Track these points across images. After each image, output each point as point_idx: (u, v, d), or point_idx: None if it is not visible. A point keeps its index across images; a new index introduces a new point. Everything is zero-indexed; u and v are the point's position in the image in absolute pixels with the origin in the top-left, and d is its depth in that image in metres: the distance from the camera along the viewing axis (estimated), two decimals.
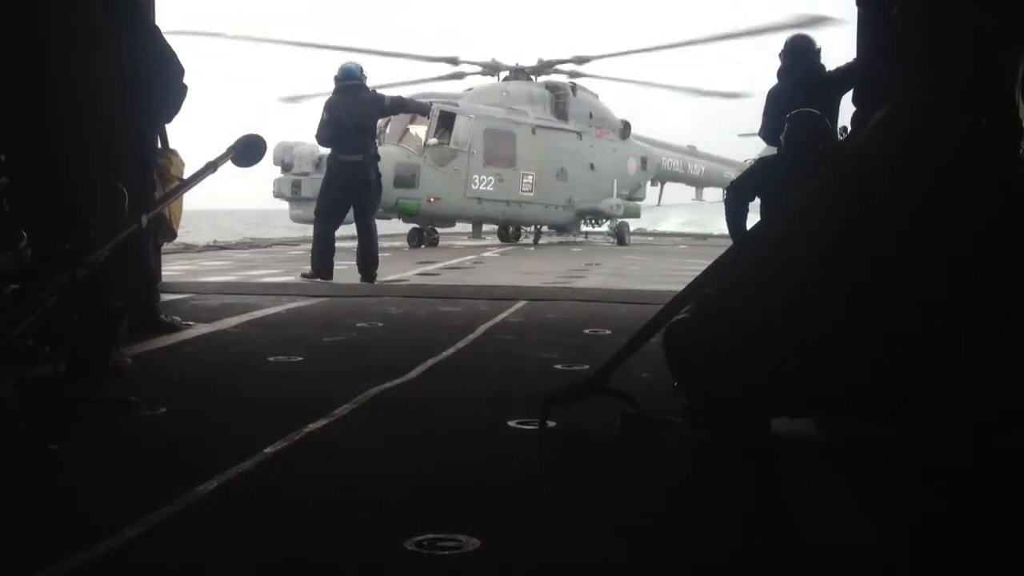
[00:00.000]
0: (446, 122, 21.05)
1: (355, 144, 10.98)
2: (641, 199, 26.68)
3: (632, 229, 27.24)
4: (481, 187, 21.40)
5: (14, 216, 4.25)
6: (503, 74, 23.93)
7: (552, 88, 23.43)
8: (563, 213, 23.36)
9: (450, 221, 21.75)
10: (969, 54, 3.64)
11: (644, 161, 25.60)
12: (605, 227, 24.03)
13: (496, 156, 21.82)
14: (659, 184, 27.82)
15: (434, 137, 20.99)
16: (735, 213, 7.18)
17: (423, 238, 20.74)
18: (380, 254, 11.44)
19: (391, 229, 22.29)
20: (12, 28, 5.34)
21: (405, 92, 22.53)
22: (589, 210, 23.47)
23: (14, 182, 4.85)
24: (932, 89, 3.62)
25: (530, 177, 22.31)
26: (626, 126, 24.62)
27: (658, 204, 29.02)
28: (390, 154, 20.01)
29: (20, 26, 5.36)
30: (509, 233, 23.93)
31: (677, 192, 28.79)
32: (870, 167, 3.69)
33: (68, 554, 2.50)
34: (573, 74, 24.07)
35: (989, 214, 3.54)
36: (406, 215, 20.96)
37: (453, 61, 23.65)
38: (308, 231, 22.33)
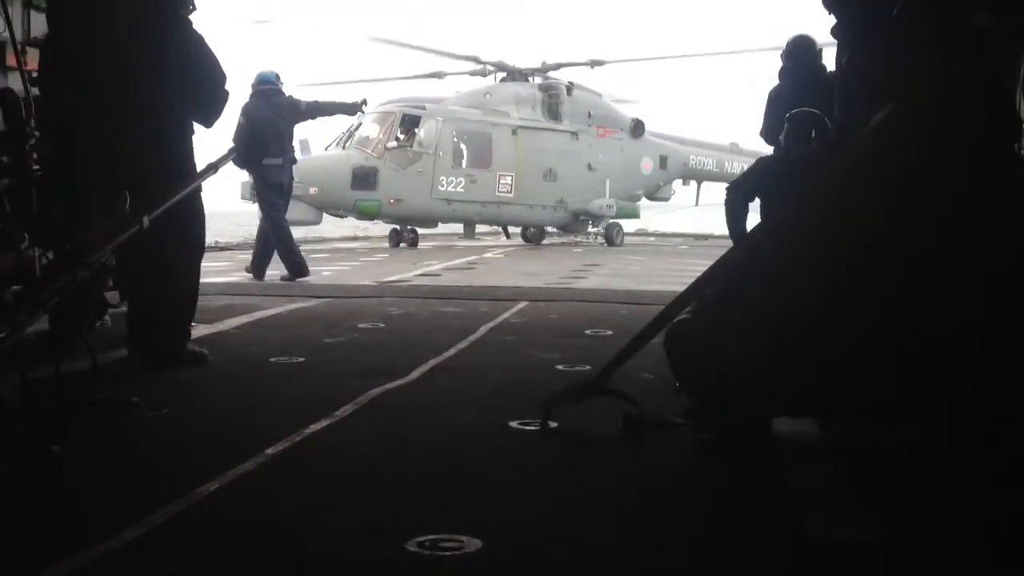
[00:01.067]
0: (411, 125, 21.45)
1: (274, 148, 11.13)
2: (666, 199, 25.92)
3: (634, 229, 27.00)
4: (450, 188, 21.52)
5: (16, 217, 4.26)
6: (500, 75, 23.88)
7: (545, 88, 23.32)
8: (553, 214, 23.23)
9: (417, 222, 21.78)
10: (968, 54, 3.64)
11: (664, 160, 24.81)
12: (599, 227, 23.47)
13: (467, 158, 22.04)
14: (691, 183, 26.52)
15: (395, 140, 21.35)
16: (735, 213, 7.15)
17: (402, 238, 21.18)
18: (378, 255, 11.48)
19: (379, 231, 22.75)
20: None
21: (389, 92, 23.08)
22: (583, 211, 23.31)
23: (16, 184, 4.86)
24: (932, 90, 3.62)
25: (509, 178, 22.33)
26: (637, 125, 24.03)
27: (696, 204, 28.00)
28: (349, 157, 20.62)
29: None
30: (531, 234, 23.79)
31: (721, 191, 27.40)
32: (870, 168, 3.68)
33: (68, 555, 2.50)
34: (594, 63, 23.89)
35: (990, 214, 3.54)
36: (365, 216, 21.49)
37: (475, 60, 23.83)
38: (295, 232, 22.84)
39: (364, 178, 20.54)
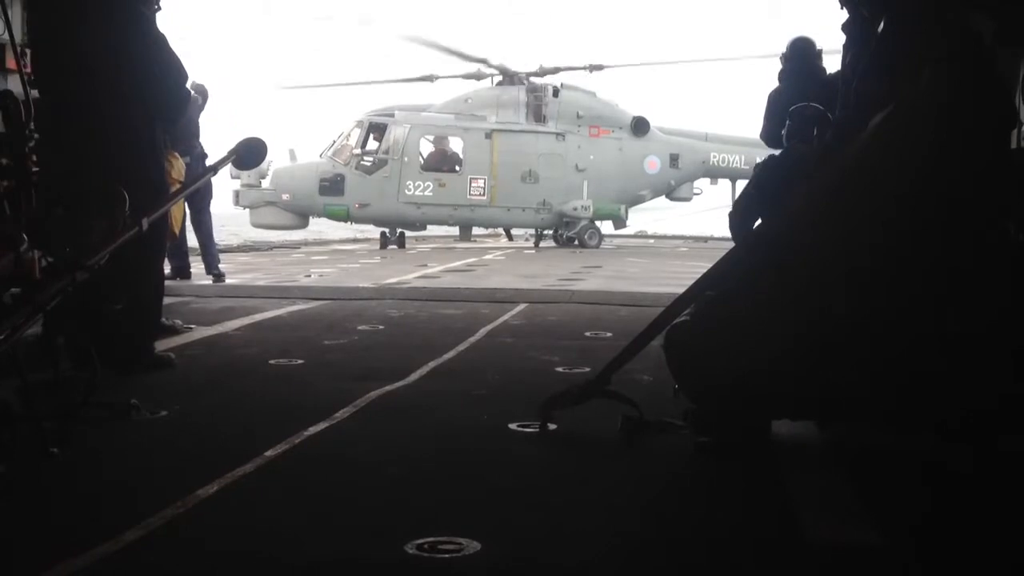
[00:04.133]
0: (378, 132, 22.25)
1: (179, 148, 11.07)
2: (686, 198, 24.96)
3: (633, 232, 26.75)
4: (417, 192, 22.20)
5: (16, 219, 4.25)
6: (496, 79, 23.86)
7: (530, 91, 23.28)
8: (535, 215, 23.19)
9: (389, 225, 22.31)
10: (968, 55, 3.64)
11: (675, 158, 23.99)
12: (576, 230, 22.83)
13: (435, 162, 22.65)
14: (718, 182, 25.17)
15: (361, 148, 22.14)
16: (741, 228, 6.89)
17: (389, 240, 22.02)
18: (377, 257, 11.41)
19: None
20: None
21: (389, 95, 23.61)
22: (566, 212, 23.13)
23: (17, 185, 4.85)
24: (933, 90, 3.62)
25: (481, 181, 22.61)
26: (639, 123, 23.46)
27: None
28: (319, 166, 21.91)
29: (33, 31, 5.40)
30: (558, 235, 23.67)
31: None
32: (871, 168, 3.68)
33: (67, 557, 2.50)
34: (592, 68, 23.80)
35: (990, 214, 3.54)
36: (336, 219, 22.65)
37: (484, 61, 24.00)
38: (289, 236, 23.49)
39: (331, 184, 21.64)
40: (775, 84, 8.45)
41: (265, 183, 21.59)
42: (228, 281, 11.23)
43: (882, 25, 3.99)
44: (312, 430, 3.87)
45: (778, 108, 8.01)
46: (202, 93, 11.50)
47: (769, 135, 8.25)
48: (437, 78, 24.09)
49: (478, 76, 24.01)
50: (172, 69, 5.33)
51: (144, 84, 5.19)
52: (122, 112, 5.13)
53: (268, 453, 3.52)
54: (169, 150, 7.29)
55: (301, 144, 23.03)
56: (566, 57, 25.29)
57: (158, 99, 5.29)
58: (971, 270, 3.47)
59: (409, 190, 22.06)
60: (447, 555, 2.58)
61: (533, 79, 23.58)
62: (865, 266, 3.53)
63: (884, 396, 3.52)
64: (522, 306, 8.27)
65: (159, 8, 5.52)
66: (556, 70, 23.84)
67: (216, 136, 11.29)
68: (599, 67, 24.05)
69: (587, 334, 6.63)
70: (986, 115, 3.62)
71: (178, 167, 7.66)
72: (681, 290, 4.09)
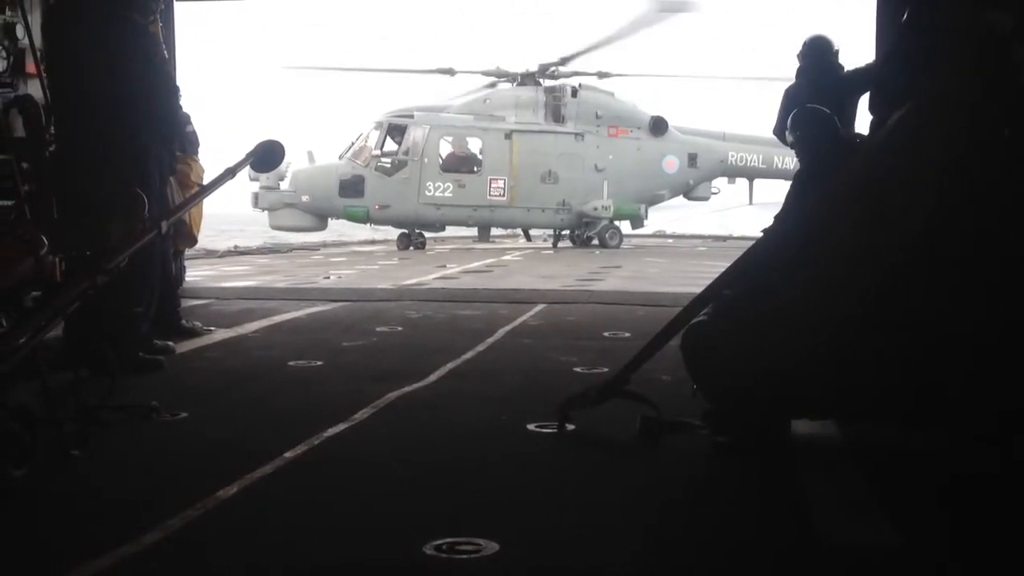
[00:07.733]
0: (398, 134, 22.30)
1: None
2: (704, 198, 25.01)
3: (652, 231, 26.67)
4: (437, 194, 22.26)
5: (36, 223, 4.28)
6: (503, 81, 23.88)
7: (548, 91, 23.26)
8: (554, 216, 23.21)
9: (408, 226, 22.44)
10: (983, 52, 3.61)
11: (693, 158, 24.05)
12: (595, 229, 22.98)
13: (455, 163, 22.68)
14: (736, 181, 25.28)
15: (381, 149, 22.20)
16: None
17: (411, 241, 22.16)
18: (396, 258, 11.39)
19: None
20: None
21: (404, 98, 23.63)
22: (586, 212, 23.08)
23: (37, 189, 4.89)
24: (949, 88, 3.60)
25: (501, 182, 22.66)
26: (657, 122, 23.53)
27: (750, 203, 25.78)
28: (338, 167, 22.02)
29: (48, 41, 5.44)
30: (575, 236, 23.65)
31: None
32: (889, 167, 3.66)
33: (88, 559, 2.52)
34: (601, 74, 23.81)
35: (1009, 213, 3.51)
36: (355, 221, 22.78)
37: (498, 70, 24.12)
38: (296, 238, 23.70)
39: (351, 186, 21.71)
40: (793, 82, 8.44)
41: (284, 185, 21.69)
42: (249, 283, 11.26)
43: (904, 18, 3.97)
44: (331, 431, 3.88)
45: (792, 104, 7.99)
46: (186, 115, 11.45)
47: (780, 131, 8.22)
48: (456, 72, 24.15)
49: (498, 74, 24.03)
50: (161, 81, 5.32)
51: (132, 95, 5.19)
52: (113, 122, 5.12)
53: (287, 454, 3.53)
54: (187, 154, 7.32)
55: (319, 146, 23.03)
56: (580, 61, 24.78)
57: (150, 111, 5.27)
58: (993, 269, 3.44)
59: (429, 191, 22.13)
60: (465, 556, 2.59)
61: (548, 81, 23.58)
62: (884, 266, 3.50)
63: (903, 396, 3.50)
64: (540, 307, 8.27)
65: (154, 19, 5.53)
66: (572, 74, 23.81)
67: (215, 133, 11.24)
68: (606, 75, 24.06)
69: (605, 334, 6.62)
70: (1006, 112, 3.60)
71: (197, 170, 7.70)
72: (699, 290, 4.08)
